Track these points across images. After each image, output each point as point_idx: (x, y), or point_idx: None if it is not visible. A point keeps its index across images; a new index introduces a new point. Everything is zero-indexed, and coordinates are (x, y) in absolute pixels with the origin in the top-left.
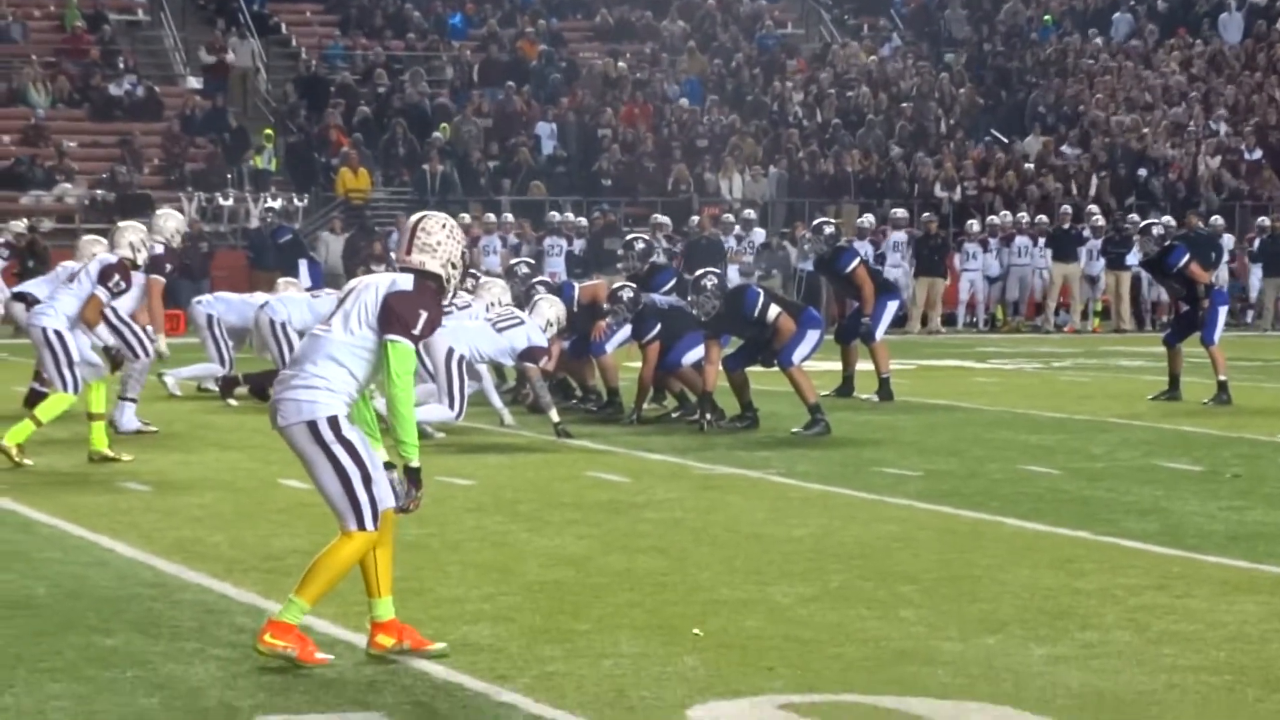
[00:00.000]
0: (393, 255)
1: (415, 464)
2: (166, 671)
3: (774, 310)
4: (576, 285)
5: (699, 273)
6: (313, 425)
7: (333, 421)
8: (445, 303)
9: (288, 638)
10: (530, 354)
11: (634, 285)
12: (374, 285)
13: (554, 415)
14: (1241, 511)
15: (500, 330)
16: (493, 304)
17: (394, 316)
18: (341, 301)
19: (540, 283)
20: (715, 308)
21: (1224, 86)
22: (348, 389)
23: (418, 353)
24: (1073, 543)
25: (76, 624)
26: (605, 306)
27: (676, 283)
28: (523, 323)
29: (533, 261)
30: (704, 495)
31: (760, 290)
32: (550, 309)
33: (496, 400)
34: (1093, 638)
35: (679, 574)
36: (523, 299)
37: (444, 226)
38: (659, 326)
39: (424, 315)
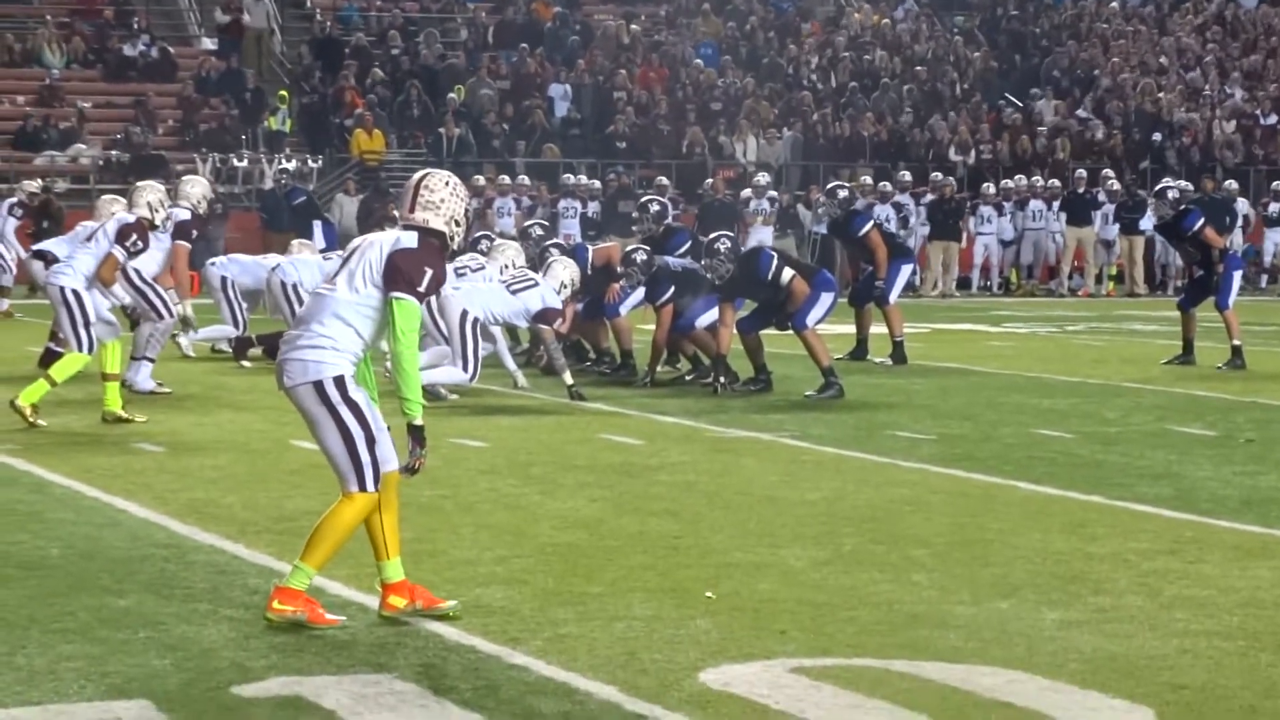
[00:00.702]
0: (397, 214)
1: (419, 422)
2: (179, 632)
3: (788, 273)
4: (591, 247)
5: (712, 236)
6: (319, 385)
7: (339, 381)
8: (459, 265)
9: (295, 602)
10: (544, 316)
11: (647, 248)
12: (378, 243)
13: (568, 377)
14: (1255, 476)
15: (514, 292)
16: (506, 266)
17: (399, 274)
18: (346, 260)
19: (554, 245)
20: (729, 271)
21: (1239, 51)
22: (354, 348)
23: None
24: (1085, 507)
25: (89, 585)
26: (619, 269)
27: (691, 245)
28: (537, 284)
29: (547, 224)
30: (717, 458)
31: (774, 253)
32: (564, 271)
33: (510, 362)
34: (1105, 602)
35: (692, 537)
36: (537, 261)
37: (447, 184)
38: (673, 289)
39: (429, 272)
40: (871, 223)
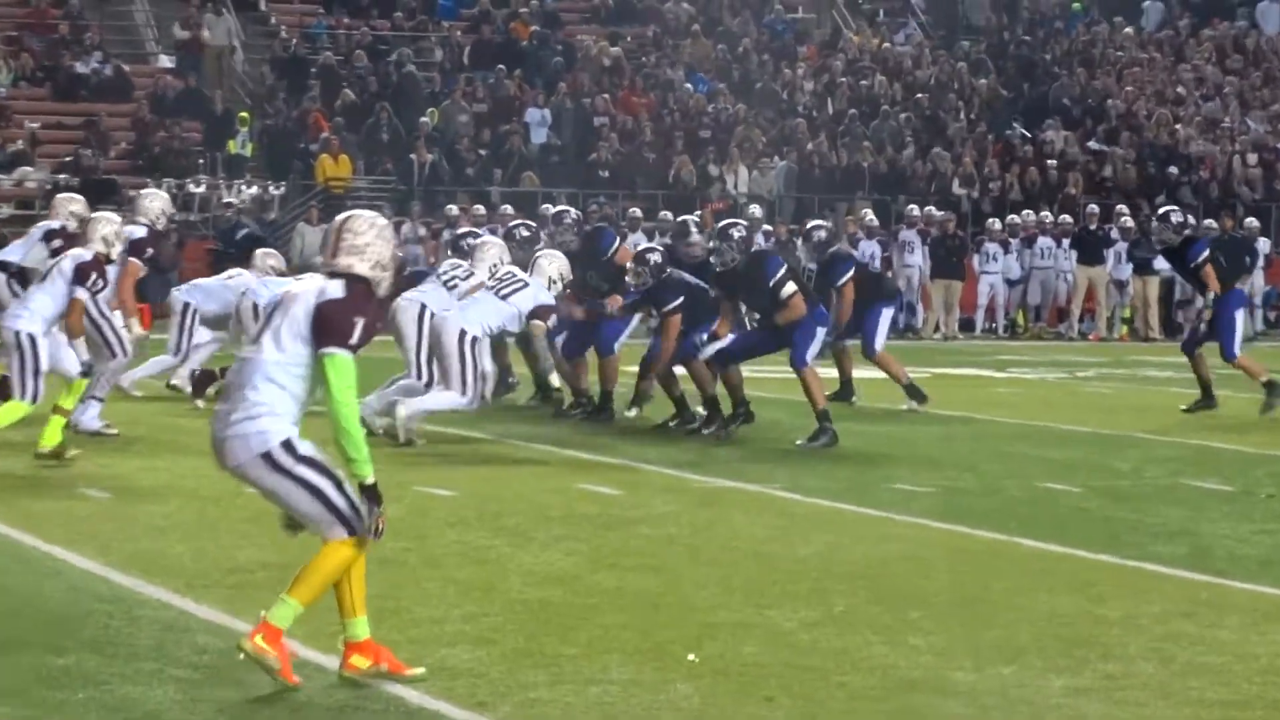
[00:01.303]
0: (319, 259)
1: (371, 481)
2: (122, 693)
3: (790, 287)
4: (618, 238)
5: (726, 221)
6: (268, 456)
7: (287, 445)
8: (448, 276)
9: (276, 646)
10: (537, 313)
11: (663, 250)
12: (301, 296)
13: (554, 380)
14: (1276, 535)
15: (505, 297)
16: (495, 265)
17: (329, 327)
18: (269, 318)
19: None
20: (735, 261)
21: (1260, 80)
22: (291, 409)
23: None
24: (1095, 566)
25: (27, 642)
26: (629, 266)
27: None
28: (526, 285)
29: (533, 224)
30: (702, 510)
31: (784, 262)
32: (551, 265)
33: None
34: (1115, 669)
35: (673, 594)
36: (524, 262)
37: (373, 226)
38: (682, 299)
39: (360, 322)
40: (851, 273)
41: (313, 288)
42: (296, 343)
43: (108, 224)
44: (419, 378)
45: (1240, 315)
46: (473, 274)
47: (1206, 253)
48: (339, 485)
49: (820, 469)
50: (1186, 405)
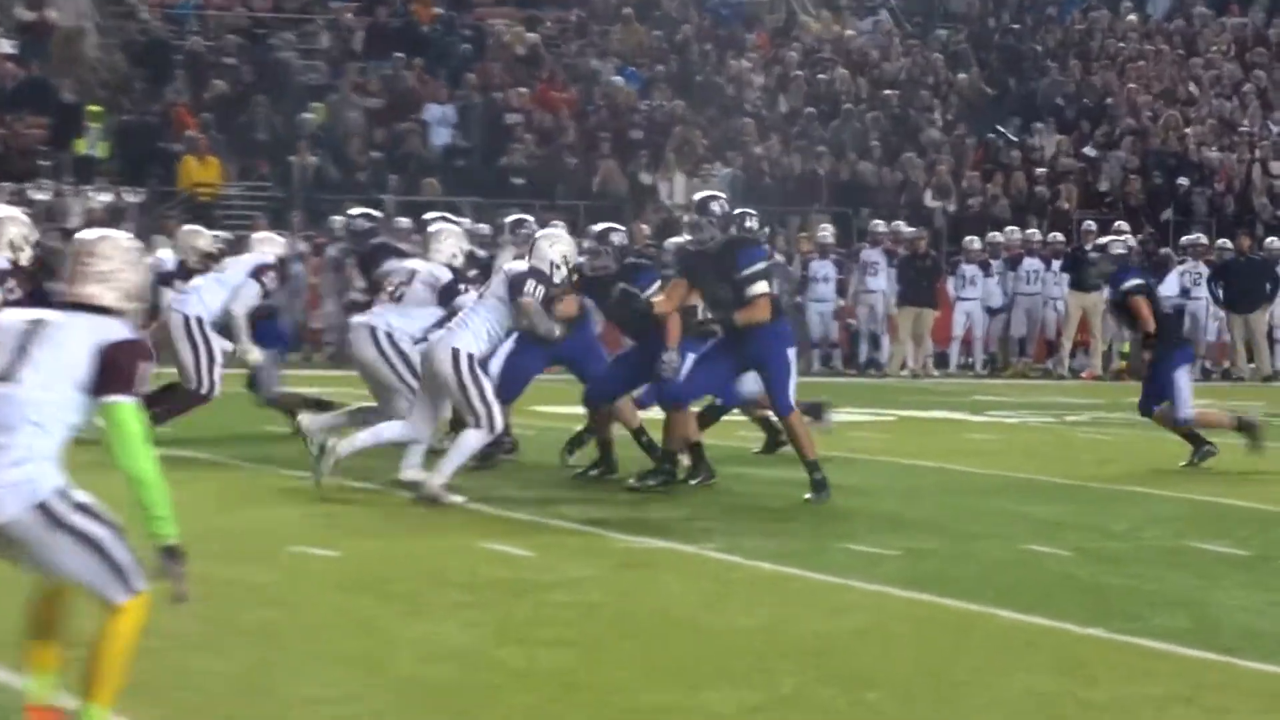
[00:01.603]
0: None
1: (173, 543)
2: None
3: (761, 286)
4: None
5: (705, 194)
6: (43, 507)
7: (61, 493)
8: (393, 288)
9: None
10: (518, 280)
11: (624, 229)
12: (68, 331)
13: (557, 330)
14: None
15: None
16: (454, 255)
17: (118, 373)
18: (23, 349)
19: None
20: (713, 240)
21: None
22: (54, 454)
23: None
24: (1083, 642)
25: None
26: (590, 245)
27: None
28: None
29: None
30: (625, 574)
31: (765, 257)
32: (553, 248)
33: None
34: None
35: (590, 672)
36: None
37: (123, 250)
38: (657, 282)
39: (141, 367)
40: None
41: (86, 325)
42: (67, 385)
43: (14, 224)
44: (413, 393)
45: (1183, 376)
46: (416, 272)
47: (1136, 282)
48: (118, 535)
49: (764, 528)
50: (1185, 460)
